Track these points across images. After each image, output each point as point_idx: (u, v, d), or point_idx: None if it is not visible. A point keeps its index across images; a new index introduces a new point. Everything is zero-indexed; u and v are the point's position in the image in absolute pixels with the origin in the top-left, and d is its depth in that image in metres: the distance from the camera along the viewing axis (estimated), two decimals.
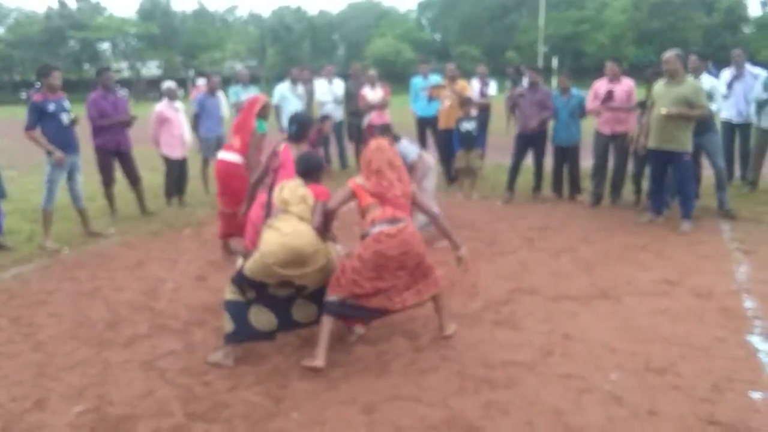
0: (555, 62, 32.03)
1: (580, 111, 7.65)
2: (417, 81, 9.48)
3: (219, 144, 8.57)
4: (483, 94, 9.62)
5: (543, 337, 3.96)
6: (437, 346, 3.89)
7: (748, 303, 4.42)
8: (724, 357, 3.62)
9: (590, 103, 7.52)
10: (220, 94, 8.79)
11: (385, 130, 6.17)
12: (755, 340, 3.83)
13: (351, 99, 10.08)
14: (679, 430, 2.92)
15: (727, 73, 8.13)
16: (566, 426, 2.99)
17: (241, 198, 5.09)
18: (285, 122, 9.14)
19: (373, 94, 9.46)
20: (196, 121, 8.52)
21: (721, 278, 4.95)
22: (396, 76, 38.18)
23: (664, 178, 6.53)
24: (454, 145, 8.13)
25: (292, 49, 55.66)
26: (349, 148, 10.70)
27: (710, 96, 6.83)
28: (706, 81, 7.06)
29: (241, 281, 3.68)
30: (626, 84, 7.35)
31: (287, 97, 9.14)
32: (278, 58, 54.43)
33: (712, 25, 44.78)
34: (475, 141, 8.02)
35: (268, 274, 3.58)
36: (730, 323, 4.09)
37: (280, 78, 9.83)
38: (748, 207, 7.08)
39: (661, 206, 6.72)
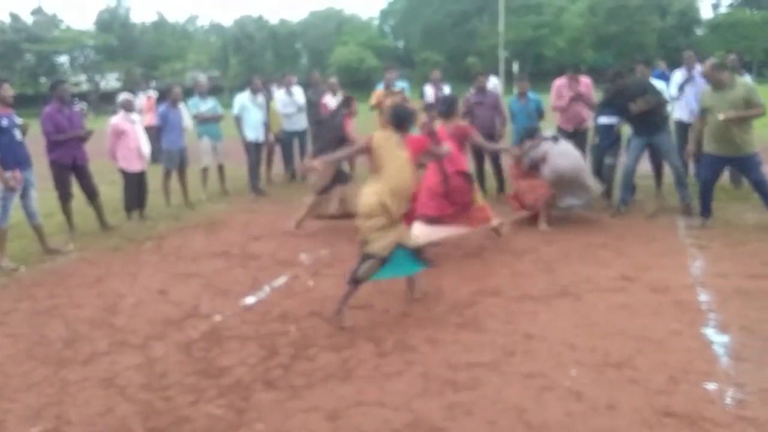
0: (516, 67, 32.53)
1: (538, 113, 7.85)
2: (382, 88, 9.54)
3: (182, 156, 8.50)
4: (437, 99, 9.69)
5: (505, 338, 4.01)
6: (401, 350, 3.91)
7: (703, 296, 4.55)
8: (680, 350, 3.72)
9: (556, 101, 7.81)
10: (182, 105, 8.70)
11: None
12: (709, 332, 3.94)
13: (312, 108, 10.07)
14: (636, 422, 2.99)
15: (678, 75, 8.36)
16: (527, 423, 3.03)
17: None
18: (246, 132, 9.10)
19: (334, 102, 9.46)
20: (158, 134, 8.41)
21: (677, 273, 5.08)
22: (360, 84, 38.30)
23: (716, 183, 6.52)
24: None
25: (254, 58, 55.30)
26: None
27: None
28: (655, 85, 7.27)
29: None
30: (584, 82, 7.73)
31: (248, 107, 9.06)
32: (241, 67, 54.03)
33: (666, 28, 46.07)
34: None
35: None
36: (685, 316, 4.20)
37: (243, 88, 9.74)
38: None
39: (709, 209, 6.46)
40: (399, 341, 4.03)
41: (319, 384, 3.54)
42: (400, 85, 9.75)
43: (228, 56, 56.41)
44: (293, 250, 6.31)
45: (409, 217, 5.43)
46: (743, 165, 6.23)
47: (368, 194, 4.27)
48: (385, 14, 61.25)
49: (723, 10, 48.48)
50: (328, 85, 9.96)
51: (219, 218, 7.97)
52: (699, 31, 47.86)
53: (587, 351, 3.75)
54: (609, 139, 7.41)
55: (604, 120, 7.36)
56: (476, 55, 47.75)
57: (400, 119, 4.43)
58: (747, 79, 7.12)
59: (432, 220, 5.56)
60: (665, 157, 7.01)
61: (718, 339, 3.84)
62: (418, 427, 3.05)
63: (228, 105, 10.25)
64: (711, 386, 3.28)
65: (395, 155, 4.30)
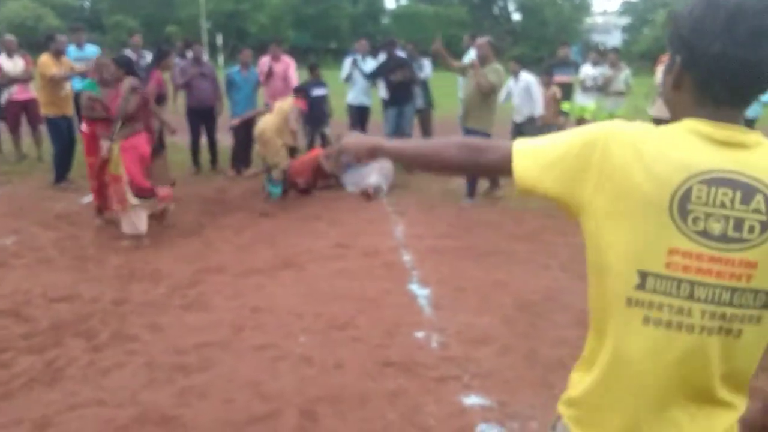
0: (220, 39, 31.80)
1: (257, 86, 8.04)
2: (71, 51, 8.36)
3: None
4: (140, 67, 8.97)
5: (233, 314, 3.96)
6: (120, 341, 3.56)
7: (406, 257, 5.11)
8: (392, 305, 4.13)
9: (261, 77, 8.10)
10: None
11: None
12: (414, 287, 4.46)
13: None
14: (362, 376, 3.24)
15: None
16: (264, 395, 3.05)
17: None
18: None
19: (11, 64, 8.04)
20: None
21: (384, 238, 5.61)
22: (39, 45, 33.16)
23: None
24: None
25: None
26: None
27: None
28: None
29: None
30: (285, 62, 8.11)
31: None
32: None
33: (358, 14, 49.78)
34: None
35: None
36: (393, 276, 4.67)
37: None
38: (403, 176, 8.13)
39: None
40: (116, 332, 3.66)
41: (20, 392, 3.03)
42: (91, 50, 8.73)
43: None
44: None
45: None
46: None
47: None
48: None
49: (403, 2, 54.33)
50: (3, 42, 8.38)
51: None
52: (384, 20, 52.85)
53: (313, 317, 3.92)
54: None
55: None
56: (176, 24, 45.26)
57: None
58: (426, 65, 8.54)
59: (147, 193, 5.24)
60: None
61: (421, 293, 4.36)
62: (147, 420, 2.83)
63: None
64: (419, 334, 3.72)
65: None
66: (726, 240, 1.04)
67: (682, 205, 1.04)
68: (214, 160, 8.23)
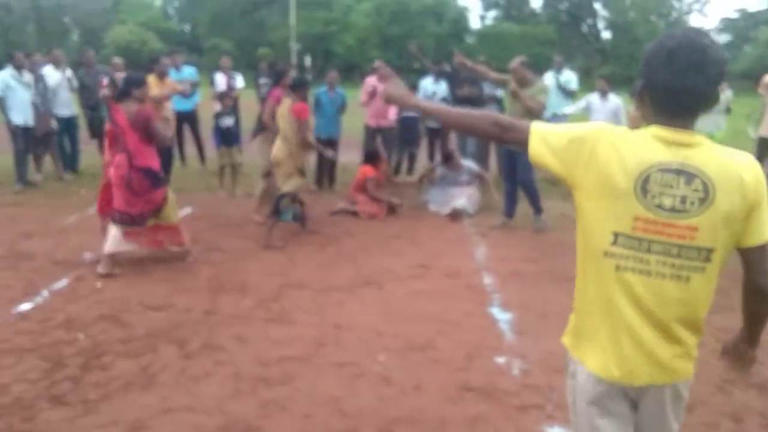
0: (308, 60, 32.86)
1: (343, 107, 8.14)
2: (171, 73, 8.91)
3: None
4: (231, 87, 9.37)
5: (315, 329, 4.04)
6: (209, 350, 3.72)
7: (487, 279, 5.05)
8: (473, 329, 4.09)
9: (363, 97, 8.32)
10: None
11: None
12: (495, 311, 4.39)
13: (87, 91, 9.08)
14: (441, 399, 3.22)
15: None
16: (342, 412, 3.09)
17: None
18: (12, 116, 7.90)
19: None
20: None
21: (465, 259, 5.57)
22: (143, 68, 35.47)
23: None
24: (215, 140, 7.86)
25: (12, 31, 48.24)
26: (93, 144, 9.66)
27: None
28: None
29: None
30: None
31: (12, 87, 7.83)
32: None
33: (442, 34, 50.07)
34: (235, 136, 7.86)
35: None
36: (474, 298, 4.63)
37: (1, 65, 8.39)
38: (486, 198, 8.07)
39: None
40: (205, 341, 3.83)
41: (117, 395, 3.22)
42: (188, 71, 9.27)
43: None
44: (74, 248, 5.63)
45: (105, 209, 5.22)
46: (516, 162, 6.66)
47: None
48: None
49: (488, 22, 54.19)
50: (113, 65, 9.05)
51: None
52: (469, 39, 52.88)
53: (393, 337, 3.94)
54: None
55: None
56: (267, 46, 47.23)
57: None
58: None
59: (124, 219, 5.00)
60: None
61: (502, 317, 4.30)
62: (231, 429, 2.94)
63: None
64: (500, 360, 3.66)
65: None
66: (674, 211, 1.49)
67: (643, 186, 1.50)
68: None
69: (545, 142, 1.62)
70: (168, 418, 3.01)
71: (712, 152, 1.51)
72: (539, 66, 14.20)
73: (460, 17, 52.09)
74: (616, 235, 1.53)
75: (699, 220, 1.48)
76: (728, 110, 8.47)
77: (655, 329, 1.56)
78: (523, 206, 6.93)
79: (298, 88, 6.16)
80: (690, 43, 1.47)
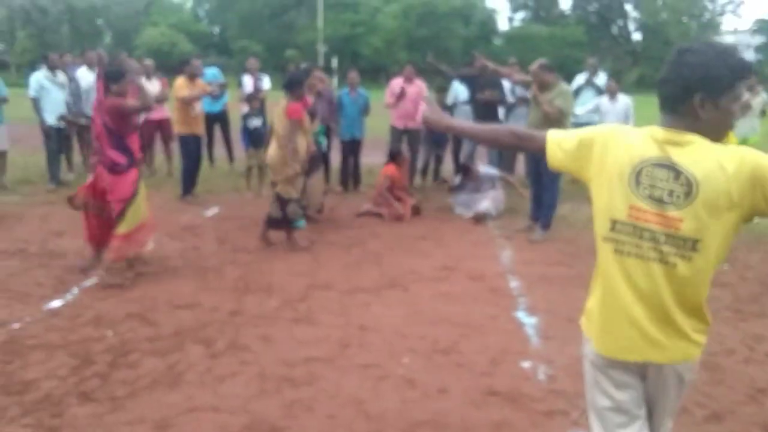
0: (335, 62, 32.99)
1: (366, 109, 8.10)
2: None
3: None
4: (258, 89, 9.41)
5: (340, 330, 4.04)
6: (234, 350, 3.74)
7: (513, 283, 5.00)
8: (498, 332, 4.05)
9: (389, 98, 8.26)
10: None
11: None
12: (521, 315, 4.34)
13: None
14: (466, 403, 3.19)
15: (580, 78, 9.15)
16: (366, 414, 3.08)
17: None
18: (46, 116, 8.07)
19: (150, 86, 8.77)
20: None
21: (490, 262, 5.53)
22: (173, 69, 36.03)
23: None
24: (243, 142, 7.94)
25: (47, 33, 49.37)
26: None
27: None
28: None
29: None
30: (417, 85, 8.24)
31: (47, 87, 8.01)
32: (31, 42, 47.85)
33: (470, 36, 49.89)
34: (263, 137, 7.91)
35: None
36: (500, 302, 4.59)
37: (33, 65, 8.56)
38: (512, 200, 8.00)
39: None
40: (231, 341, 3.86)
41: (144, 392, 3.25)
42: (212, 73, 9.37)
43: (15, 29, 49.63)
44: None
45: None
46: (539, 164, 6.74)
47: None
48: None
49: (516, 23, 53.79)
50: (144, 67, 9.17)
51: (10, 211, 6.99)
52: (497, 41, 52.56)
53: (417, 339, 3.92)
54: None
55: None
56: (295, 47, 47.59)
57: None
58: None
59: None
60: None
61: (528, 321, 4.24)
62: (256, 429, 2.95)
63: (14, 83, 8.93)
64: (526, 364, 3.61)
65: None
66: (663, 202, 1.65)
67: (637, 179, 1.68)
68: (326, 178, 8.47)
69: (560, 147, 1.87)
70: (193, 417, 3.03)
71: (700, 150, 1.63)
72: (568, 68, 13.98)
73: (488, 19, 51.87)
74: (613, 222, 1.73)
75: (683, 213, 1.62)
76: (763, 113, 8.27)
77: (648, 309, 1.71)
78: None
79: (293, 87, 5.68)
80: (695, 47, 1.66)
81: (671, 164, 1.64)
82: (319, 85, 7.40)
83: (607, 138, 1.77)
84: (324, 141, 6.97)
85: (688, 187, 1.61)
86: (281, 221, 5.77)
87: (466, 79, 8.42)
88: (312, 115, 6.29)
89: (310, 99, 6.35)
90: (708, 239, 1.63)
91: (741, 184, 1.57)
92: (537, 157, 6.31)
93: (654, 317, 1.71)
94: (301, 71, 7.01)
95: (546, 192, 6.29)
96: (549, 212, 6.32)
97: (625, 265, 1.72)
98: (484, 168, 7.56)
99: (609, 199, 1.73)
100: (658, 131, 1.69)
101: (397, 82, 8.26)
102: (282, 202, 5.70)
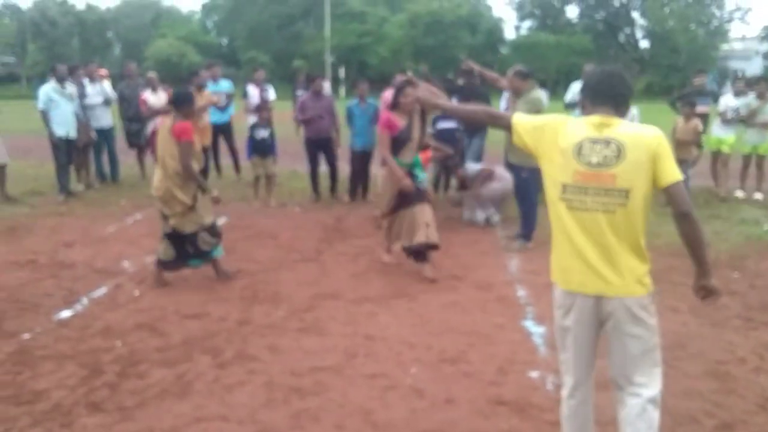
0: (342, 72, 33.15)
1: (376, 118, 8.07)
2: (208, 85, 9.09)
3: None
4: (265, 100, 9.46)
5: (347, 340, 4.05)
6: (242, 359, 3.76)
7: (521, 292, 4.98)
8: (505, 342, 4.03)
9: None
10: None
11: None
12: (528, 324, 4.33)
13: (126, 102, 9.33)
14: (473, 413, 3.18)
15: (577, 85, 9.18)
16: (374, 424, 3.08)
17: None
18: (54, 128, 8.14)
19: (155, 98, 8.86)
20: None
21: (498, 271, 5.52)
22: (182, 80, 36.29)
23: None
24: (248, 152, 7.99)
25: (57, 45, 49.93)
26: (131, 155, 9.92)
27: None
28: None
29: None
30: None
31: (55, 100, 8.07)
32: (41, 54, 48.42)
33: (476, 45, 49.96)
34: (270, 148, 7.96)
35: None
36: (507, 311, 4.57)
37: (43, 77, 8.64)
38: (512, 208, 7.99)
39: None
40: (239, 351, 3.87)
41: (153, 402, 3.27)
42: (225, 84, 9.44)
43: (25, 42, 50.26)
44: (114, 257, 5.79)
45: None
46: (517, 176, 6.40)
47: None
48: (207, 9, 58.89)
49: (523, 32, 53.83)
50: (148, 80, 9.27)
51: (20, 223, 7.05)
52: (503, 50, 52.61)
53: (424, 349, 3.92)
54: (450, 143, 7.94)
55: (444, 125, 7.70)
56: (302, 58, 47.85)
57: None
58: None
59: None
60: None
61: (536, 330, 4.23)
62: None
63: (25, 95, 9.01)
64: (534, 374, 3.60)
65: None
66: (599, 165, 2.24)
67: (578, 151, 2.28)
68: (333, 188, 8.51)
69: (523, 128, 2.47)
70: (201, 427, 3.04)
71: (624, 127, 2.28)
72: (576, 76, 13.98)
73: (495, 28, 51.92)
74: (564, 185, 2.30)
75: (616, 170, 2.21)
76: None
77: (597, 250, 2.27)
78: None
79: (181, 104, 4.87)
80: (606, 71, 2.44)
81: (603, 139, 2.25)
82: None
83: (557, 124, 2.38)
84: (423, 176, 5.58)
85: (618, 151, 2.21)
86: (176, 261, 5.02)
87: (455, 90, 8.33)
88: (406, 140, 5.24)
89: (401, 120, 5.25)
90: (636, 189, 2.20)
91: (651, 150, 2.20)
92: (514, 169, 6.41)
93: (602, 256, 2.26)
94: (400, 84, 5.69)
95: (521, 203, 6.35)
96: (526, 222, 6.31)
97: (577, 218, 2.28)
98: (470, 166, 7.48)
99: (559, 168, 2.31)
100: (595, 118, 2.31)
101: (390, 93, 8.17)
102: (183, 237, 4.91)
